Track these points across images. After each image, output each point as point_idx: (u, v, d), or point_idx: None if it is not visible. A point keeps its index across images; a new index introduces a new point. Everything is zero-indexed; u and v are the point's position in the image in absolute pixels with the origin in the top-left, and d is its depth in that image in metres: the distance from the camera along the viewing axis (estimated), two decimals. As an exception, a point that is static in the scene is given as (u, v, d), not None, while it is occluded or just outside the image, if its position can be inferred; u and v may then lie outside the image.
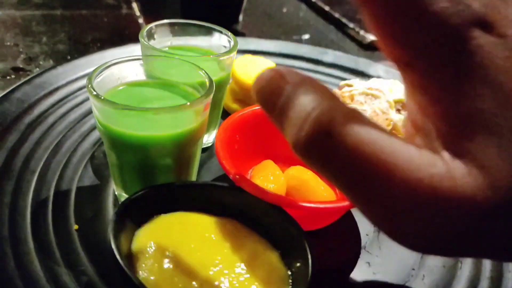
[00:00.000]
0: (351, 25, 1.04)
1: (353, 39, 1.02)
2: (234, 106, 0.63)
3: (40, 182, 0.46)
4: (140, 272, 0.34)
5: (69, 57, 0.78)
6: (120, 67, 0.44)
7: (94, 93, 0.38)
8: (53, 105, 0.56)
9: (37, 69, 0.73)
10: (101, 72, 0.42)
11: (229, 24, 1.00)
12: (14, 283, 0.35)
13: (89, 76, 0.40)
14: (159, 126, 0.39)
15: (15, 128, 0.51)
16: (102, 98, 0.37)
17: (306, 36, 1.01)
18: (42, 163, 0.48)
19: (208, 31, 0.55)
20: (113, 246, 0.33)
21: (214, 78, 0.50)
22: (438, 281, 0.42)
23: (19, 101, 0.54)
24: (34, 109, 0.54)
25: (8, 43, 0.80)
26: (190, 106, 0.39)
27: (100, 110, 0.39)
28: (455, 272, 0.43)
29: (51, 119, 0.54)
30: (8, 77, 0.70)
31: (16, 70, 0.73)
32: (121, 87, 0.44)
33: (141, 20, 0.97)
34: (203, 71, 0.43)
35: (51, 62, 0.76)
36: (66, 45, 0.83)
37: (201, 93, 0.42)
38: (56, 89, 0.58)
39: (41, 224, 0.41)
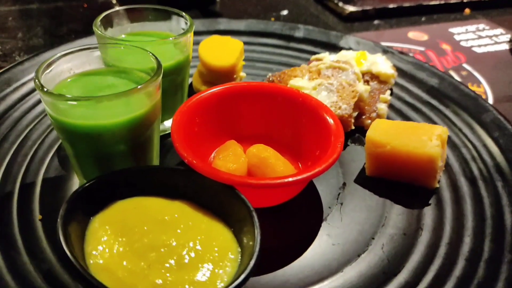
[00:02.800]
0: (330, -3, 1.02)
1: (332, 11, 1.00)
2: (203, 88, 0.63)
3: (6, 175, 0.47)
4: (92, 257, 0.35)
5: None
6: (72, 57, 0.44)
7: (40, 86, 0.38)
8: (19, 100, 0.56)
9: (11, 65, 0.74)
10: (50, 64, 0.42)
11: (206, 5, 1.00)
12: (-26, 275, 0.37)
13: (37, 70, 0.40)
14: (108, 114, 0.40)
15: (-19, 125, 0.52)
16: (48, 91, 0.38)
17: (285, 12, 1.00)
18: (8, 157, 0.49)
19: (166, 15, 0.55)
20: (60, 233, 0.33)
21: (172, 62, 0.51)
22: (397, 249, 0.43)
23: (-16, 98, 0.55)
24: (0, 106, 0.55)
25: (-17, 41, 0.81)
26: (137, 91, 0.39)
27: (48, 104, 0.39)
28: (416, 239, 0.44)
29: (17, 114, 0.54)
30: (-18, 75, 0.71)
31: (-10, 67, 0.73)
32: (73, 78, 0.44)
33: (118, 8, 0.96)
34: (152, 55, 0.44)
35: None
36: (41, 39, 0.83)
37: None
38: (22, 84, 0.58)
39: (4, 216, 0.42)
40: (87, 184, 0.39)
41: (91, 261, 0.34)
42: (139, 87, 0.39)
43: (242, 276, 0.32)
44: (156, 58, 0.43)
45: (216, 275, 0.34)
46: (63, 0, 1.00)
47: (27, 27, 0.87)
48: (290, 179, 0.40)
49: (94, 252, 0.35)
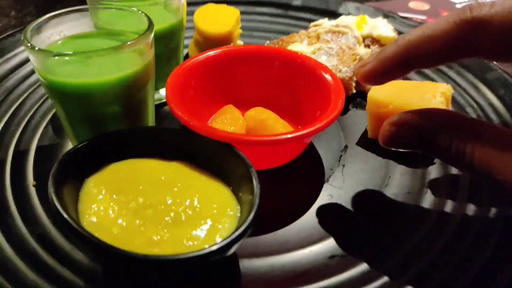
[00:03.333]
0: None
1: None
2: (200, 57, 0.62)
3: (-2, 144, 0.46)
4: (86, 216, 0.34)
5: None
6: (62, 19, 0.43)
7: (28, 44, 0.37)
8: (12, 71, 0.55)
9: (5, 41, 0.72)
10: (39, 25, 0.41)
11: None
12: (-34, 238, 0.36)
13: (25, 29, 0.39)
14: (99, 72, 0.38)
15: (-27, 95, 0.51)
16: (36, 48, 0.37)
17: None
18: (1, 126, 0.48)
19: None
20: (52, 191, 0.32)
21: (164, 25, 0.49)
22: (401, 207, 0.42)
23: (-24, 68, 0.53)
24: (-8, 75, 0.54)
25: (-24, 19, 0.79)
26: (128, 47, 0.38)
27: (37, 61, 0.38)
28: (420, 198, 0.42)
29: (10, 83, 0.53)
30: (-25, 52, 0.70)
31: (-17, 44, 0.72)
32: (64, 40, 0.43)
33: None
34: (144, 14, 0.42)
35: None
36: (35, 17, 0.81)
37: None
38: (15, 55, 0.57)
39: (-3, 182, 0.42)
40: (79, 145, 0.38)
41: (85, 221, 0.33)
42: (129, 43, 0.38)
43: (242, 228, 0.31)
44: (147, 17, 0.42)
45: (215, 230, 0.33)
46: (57, -22, 0.98)
47: (20, 5, 0.85)
48: (289, 136, 0.39)
49: (88, 211, 0.34)
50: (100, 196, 0.35)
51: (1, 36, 0.59)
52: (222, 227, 0.34)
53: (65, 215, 0.31)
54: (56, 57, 0.36)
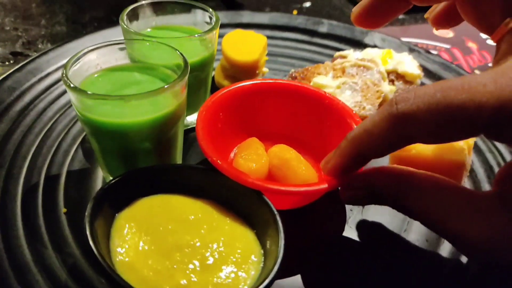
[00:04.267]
0: (354, -11, 1.01)
1: (356, 4, 0.98)
2: (225, 82, 0.63)
3: (31, 167, 0.47)
4: (118, 254, 0.35)
5: (65, 40, 0.79)
6: (99, 52, 0.44)
7: (68, 83, 0.38)
8: (44, 91, 0.57)
9: (36, 53, 0.74)
10: (78, 59, 0.42)
11: (228, -5, 0.99)
12: (2, 267, 0.37)
13: (65, 65, 0.41)
14: (135, 113, 0.40)
15: (7, 116, 0.52)
16: (76, 88, 0.38)
17: (307, 4, 0.98)
18: (33, 149, 0.50)
19: (190, 9, 0.54)
20: (87, 231, 0.34)
21: (196, 58, 0.51)
22: (420, 254, 0.43)
23: (9, 88, 0.55)
24: (25, 96, 0.55)
25: (8, 28, 0.81)
26: (163, 91, 0.39)
27: (77, 100, 0.39)
28: (438, 246, 0.43)
29: (41, 105, 0.55)
30: (7, 63, 0.72)
31: (15, 54, 0.74)
32: (100, 73, 0.44)
33: (143, 1, 0.96)
34: (179, 53, 0.43)
35: (49, 45, 0.77)
36: (64, 27, 0.83)
37: (179, 74, 0.42)
38: (47, 75, 0.59)
39: (30, 209, 0.43)
40: (112, 181, 0.39)
41: (117, 259, 0.35)
42: (166, 86, 0.39)
43: (266, 281, 0.32)
44: (183, 56, 0.43)
45: (239, 277, 0.35)
46: (85, -14, 0.99)
47: (50, 14, 0.87)
48: (321, 187, 0.40)
49: (119, 250, 0.35)
50: (130, 235, 0.37)
51: (35, 56, 0.61)
52: (246, 276, 0.35)
53: (101, 259, 0.32)
54: (98, 99, 0.38)
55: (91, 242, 0.33)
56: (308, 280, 0.40)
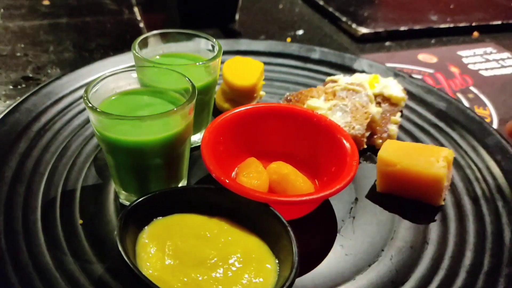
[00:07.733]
0: (344, 18, 1.07)
1: (345, 32, 1.05)
2: (226, 105, 0.68)
3: (49, 183, 0.52)
4: (145, 269, 0.39)
5: (73, 66, 0.84)
6: (114, 78, 0.49)
7: (90, 105, 0.43)
8: (58, 113, 0.61)
9: (45, 77, 0.79)
10: (96, 84, 0.47)
11: (226, 23, 1.05)
12: (27, 271, 0.41)
13: (86, 89, 0.45)
14: (148, 132, 0.44)
15: (25, 135, 0.57)
16: (97, 109, 0.43)
17: (300, 32, 1.05)
18: (50, 166, 0.54)
19: (195, 38, 0.60)
20: (120, 248, 0.37)
21: (201, 83, 0.56)
22: (405, 260, 0.47)
23: (27, 110, 0.60)
24: (41, 118, 0.60)
25: (19, 54, 0.86)
26: (174, 112, 0.44)
27: (96, 120, 0.44)
28: (422, 252, 0.48)
29: (57, 126, 0.59)
30: (19, 86, 0.76)
31: (26, 79, 0.79)
32: (116, 96, 0.49)
33: (142, 25, 1.02)
34: (187, 79, 0.48)
35: (58, 71, 0.82)
36: (72, 53, 0.88)
37: (187, 98, 0.47)
38: (61, 98, 0.64)
39: (50, 220, 0.47)
40: (135, 203, 0.42)
41: (148, 272, 0.38)
42: (176, 108, 0.44)
43: (287, 284, 0.37)
44: (191, 82, 0.48)
45: (258, 284, 0.38)
46: (90, 15, 1.05)
47: (57, 41, 0.92)
48: (321, 194, 0.45)
49: (147, 264, 0.39)
50: (155, 251, 0.40)
51: (49, 80, 0.66)
52: (265, 283, 0.39)
53: (137, 271, 0.36)
54: (116, 120, 0.42)
55: (125, 258, 0.37)
56: (302, 285, 0.44)
